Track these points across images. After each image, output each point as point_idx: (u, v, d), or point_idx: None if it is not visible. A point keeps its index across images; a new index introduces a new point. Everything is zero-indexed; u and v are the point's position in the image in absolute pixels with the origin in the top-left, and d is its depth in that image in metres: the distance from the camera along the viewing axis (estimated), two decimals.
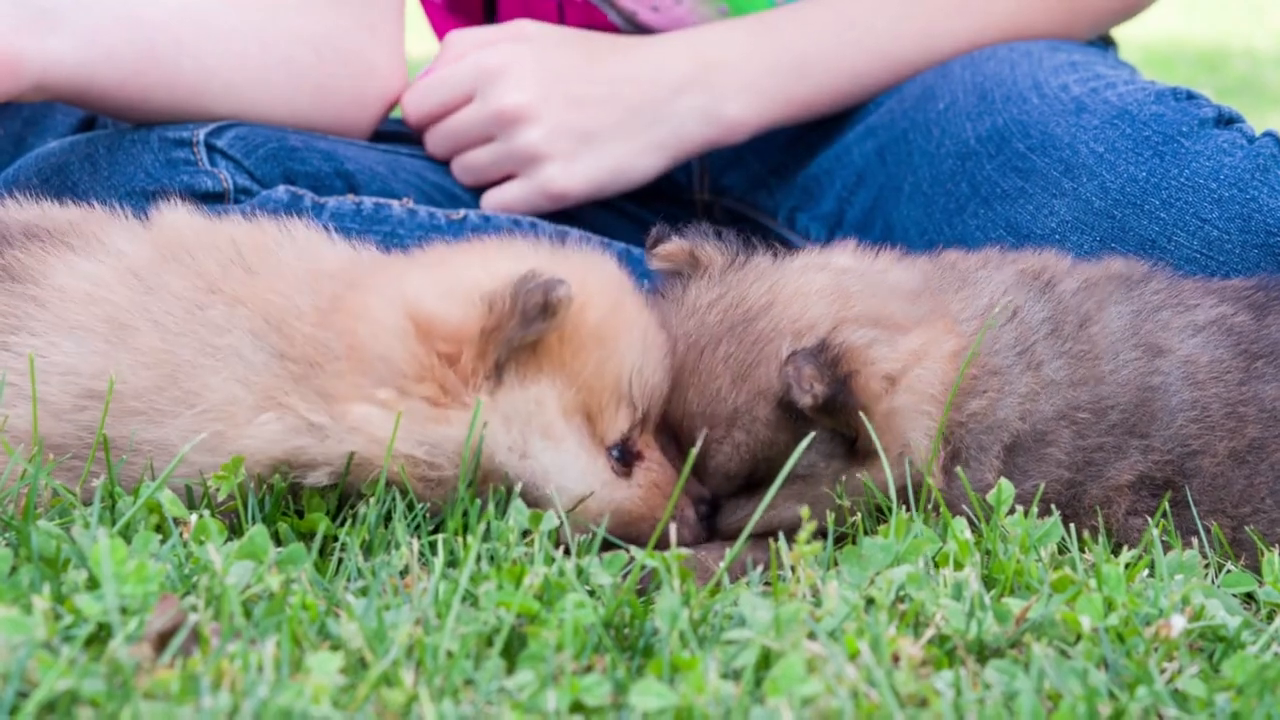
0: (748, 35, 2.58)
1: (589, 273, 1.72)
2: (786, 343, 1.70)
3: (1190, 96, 2.24)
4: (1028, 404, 1.76)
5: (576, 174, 2.51)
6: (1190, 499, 1.75)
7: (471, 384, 1.62)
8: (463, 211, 2.47)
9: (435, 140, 2.58)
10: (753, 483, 1.71)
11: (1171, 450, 1.77)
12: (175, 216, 1.83)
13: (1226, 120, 2.20)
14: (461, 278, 1.66)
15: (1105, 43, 2.79)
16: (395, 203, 2.41)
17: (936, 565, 1.60)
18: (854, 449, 1.69)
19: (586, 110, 2.51)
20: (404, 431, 1.60)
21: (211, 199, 2.28)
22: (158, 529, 1.60)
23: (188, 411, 1.65)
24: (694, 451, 1.67)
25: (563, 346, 1.65)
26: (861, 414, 1.64)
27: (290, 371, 1.64)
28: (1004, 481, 1.68)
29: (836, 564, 1.59)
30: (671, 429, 1.77)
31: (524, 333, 1.60)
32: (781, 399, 1.67)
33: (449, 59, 2.55)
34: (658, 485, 1.72)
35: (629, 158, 2.54)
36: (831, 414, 1.64)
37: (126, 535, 1.57)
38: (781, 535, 1.57)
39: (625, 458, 1.71)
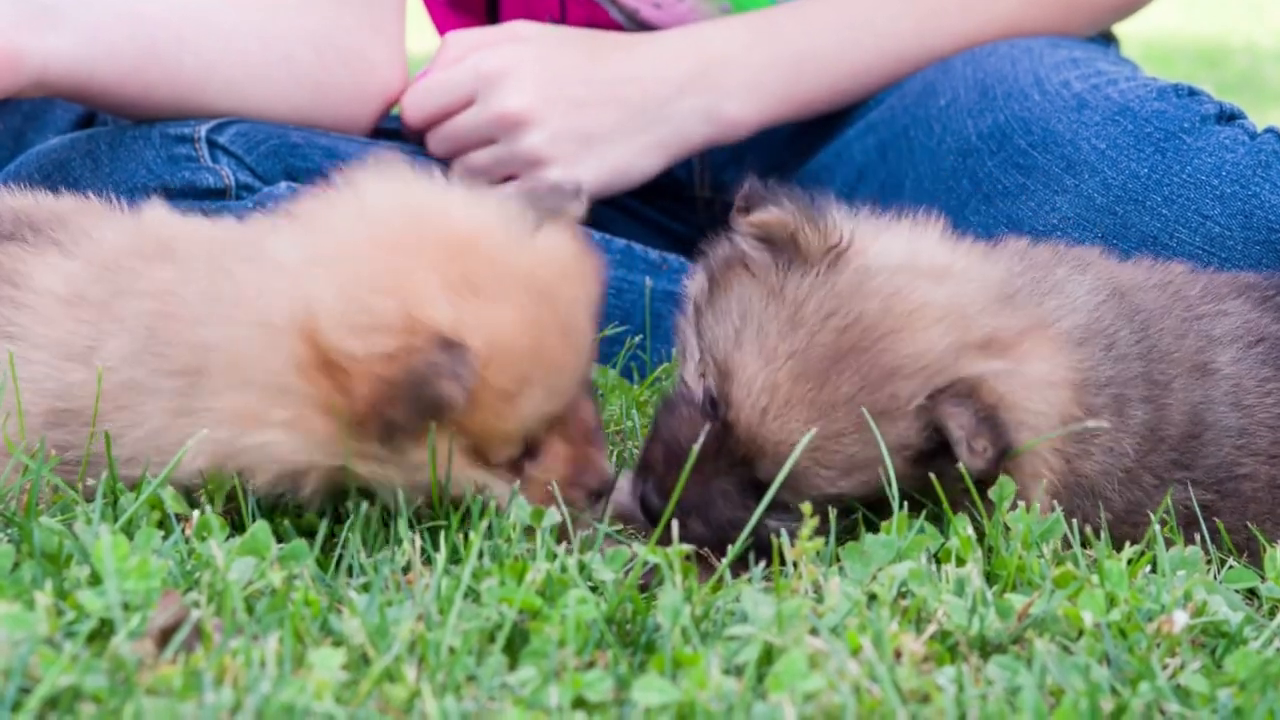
0: (749, 33, 2.57)
1: (506, 317, 1.56)
2: (920, 389, 1.60)
3: (1192, 93, 2.24)
4: (1109, 459, 1.70)
5: (579, 175, 2.51)
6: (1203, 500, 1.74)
7: (355, 429, 1.55)
8: None
9: (436, 142, 2.58)
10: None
11: (1215, 479, 1.73)
12: (156, 214, 1.83)
13: (1228, 117, 2.20)
14: (369, 302, 1.53)
15: (1106, 39, 2.79)
16: None
17: (939, 561, 1.60)
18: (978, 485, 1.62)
19: (588, 112, 2.51)
20: (305, 448, 1.57)
21: (213, 195, 2.28)
22: (160, 525, 1.60)
23: (132, 432, 1.65)
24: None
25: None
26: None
27: (185, 385, 1.61)
28: (1004, 478, 1.65)
29: (839, 560, 1.58)
30: (731, 427, 1.64)
31: (409, 424, 1.53)
32: (923, 451, 1.61)
33: (447, 61, 2.55)
34: (540, 481, 1.67)
35: (631, 158, 2.54)
36: (994, 470, 1.60)
37: (129, 531, 1.57)
38: (784, 531, 1.57)
39: (514, 461, 1.67)
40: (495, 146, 2.52)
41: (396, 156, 1.75)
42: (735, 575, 1.57)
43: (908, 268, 1.67)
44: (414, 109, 2.56)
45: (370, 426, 1.53)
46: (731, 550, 1.54)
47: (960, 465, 1.58)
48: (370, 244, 1.58)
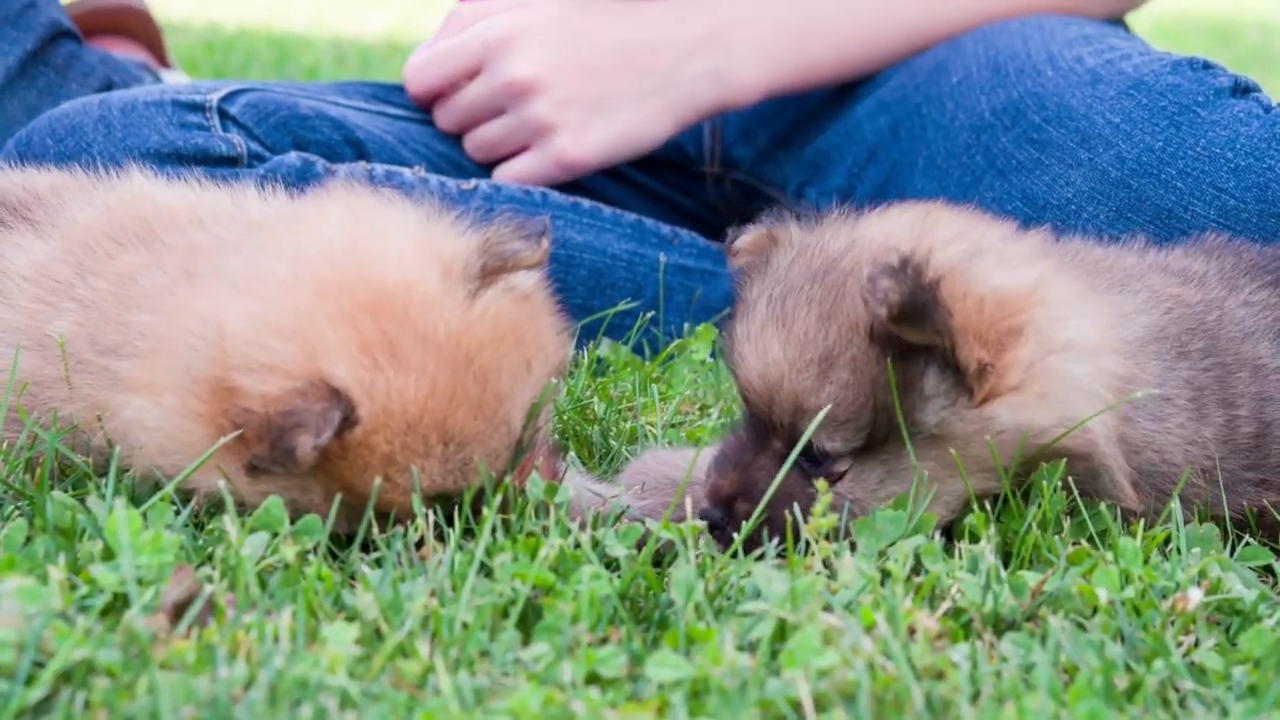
0: None
1: (409, 386, 1.51)
2: (867, 268, 1.55)
3: (1206, 66, 2.23)
4: (1194, 450, 1.65)
5: (588, 143, 2.51)
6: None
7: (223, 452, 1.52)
8: (474, 181, 2.46)
9: (445, 116, 2.57)
10: (874, 442, 1.57)
11: None
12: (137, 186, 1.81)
13: (1243, 90, 2.19)
14: (272, 343, 1.51)
15: (1113, 19, 2.78)
16: (407, 171, 2.41)
17: (952, 539, 1.60)
18: (964, 373, 1.53)
19: (596, 77, 2.50)
20: (173, 436, 1.56)
21: (226, 163, 2.28)
22: (172, 500, 1.60)
23: (69, 406, 1.66)
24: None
25: (342, 462, 1.52)
26: (951, 320, 1.50)
27: (111, 361, 1.61)
28: (1046, 466, 1.60)
29: (848, 534, 1.58)
30: (745, 395, 1.64)
31: (270, 466, 1.48)
32: (871, 327, 1.55)
33: (452, 30, 2.54)
34: None
35: (640, 122, 2.53)
36: (917, 324, 1.50)
37: (141, 506, 1.57)
38: (796, 507, 1.56)
39: None
40: (504, 117, 2.51)
41: (362, 182, 1.72)
42: (748, 552, 1.57)
43: (885, 210, 1.69)
44: (418, 79, 2.55)
45: (236, 455, 1.50)
46: (746, 525, 1.54)
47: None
48: (295, 284, 1.54)
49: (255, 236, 1.63)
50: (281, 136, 2.37)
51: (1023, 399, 1.55)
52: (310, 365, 1.49)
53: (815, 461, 1.60)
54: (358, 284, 1.53)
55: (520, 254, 1.61)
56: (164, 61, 3.43)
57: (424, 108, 2.62)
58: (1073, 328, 1.58)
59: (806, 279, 1.61)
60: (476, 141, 2.56)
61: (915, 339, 1.52)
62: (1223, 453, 1.67)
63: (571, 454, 1.93)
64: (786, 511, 1.55)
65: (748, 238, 1.72)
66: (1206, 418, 1.66)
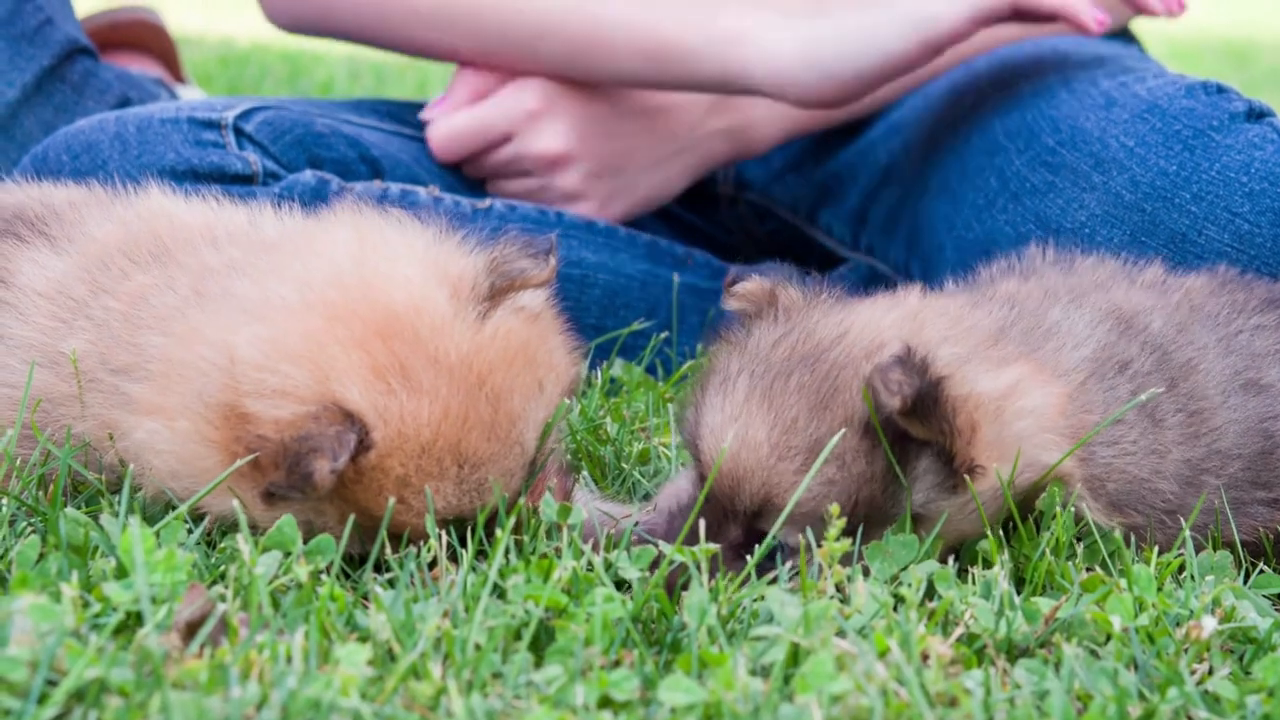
0: None
1: (423, 410, 1.52)
2: (866, 364, 1.54)
3: (1221, 90, 2.23)
4: (1157, 460, 1.65)
5: (612, 210, 2.56)
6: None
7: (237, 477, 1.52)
8: (488, 200, 2.46)
9: (472, 169, 2.57)
10: (850, 529, 1.55)
11: None
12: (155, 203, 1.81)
13: (1257, 114, 2.19)
14: (282, 367, 1.50)
15: (1127, 39, 2.78)
16: (422, 189, 2.41)
17: (966, 564, 1.59)
18: (957, 470, 1.54)
19: (620, 145, 2.54)
20: (186, 460, 1.55)
21: (241, 181, 2.28)
22: (185, 519, 1.60)
23: (81, 424, 1.66)
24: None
25: (356, 485, 1.52)
26: (955, 418, 1.51)
27: (122, 381, 1.61)
28: (1055, 486, 1.60)
29: (861, 558, 1.57)
30: (703, 474, 1.59)
31: (287, 493, 1.48)
32: (868, 422, 1.52)
33: (473, 91, 2.52)
34: None
35: (661, 185, 2.60)
36: (924, 418, 1.50)
37: (153, 523, 1.57)
38: (809, 531, 1.56)
39: None
40: (530, 179, 2.52)
41: (374, 201, 1.72)
42: (760, 575, 1.57)
43: (871, 303, 1.67)
44: (446, 151, 2.52)
45: (251, 480, 1.50)
46: (759, 549, 1.54)
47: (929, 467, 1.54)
48: (304, 309, 1.54)
49: (263, 259, 1.63)
50: (297, 154, 2.38)
51: (989, 470, 1.55)
52: (322, 389, 1.49)
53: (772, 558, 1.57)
54: (366, 307, 1.53)
55: (527, 272, 1.61)
56: (179, 76, 3.44)
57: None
58: (1030, 399, 1.58)
59: (795, 363, 1.58)
60: (499, 189, 2.56)
61: (919, 434, 1.51)
62: (1199, 452, 1.66)
63: (585, 474, 1.93)
64: (800, 535, 1.55)
65: (750, 285, 1.67)
66: (1161, 422, 1.66)
